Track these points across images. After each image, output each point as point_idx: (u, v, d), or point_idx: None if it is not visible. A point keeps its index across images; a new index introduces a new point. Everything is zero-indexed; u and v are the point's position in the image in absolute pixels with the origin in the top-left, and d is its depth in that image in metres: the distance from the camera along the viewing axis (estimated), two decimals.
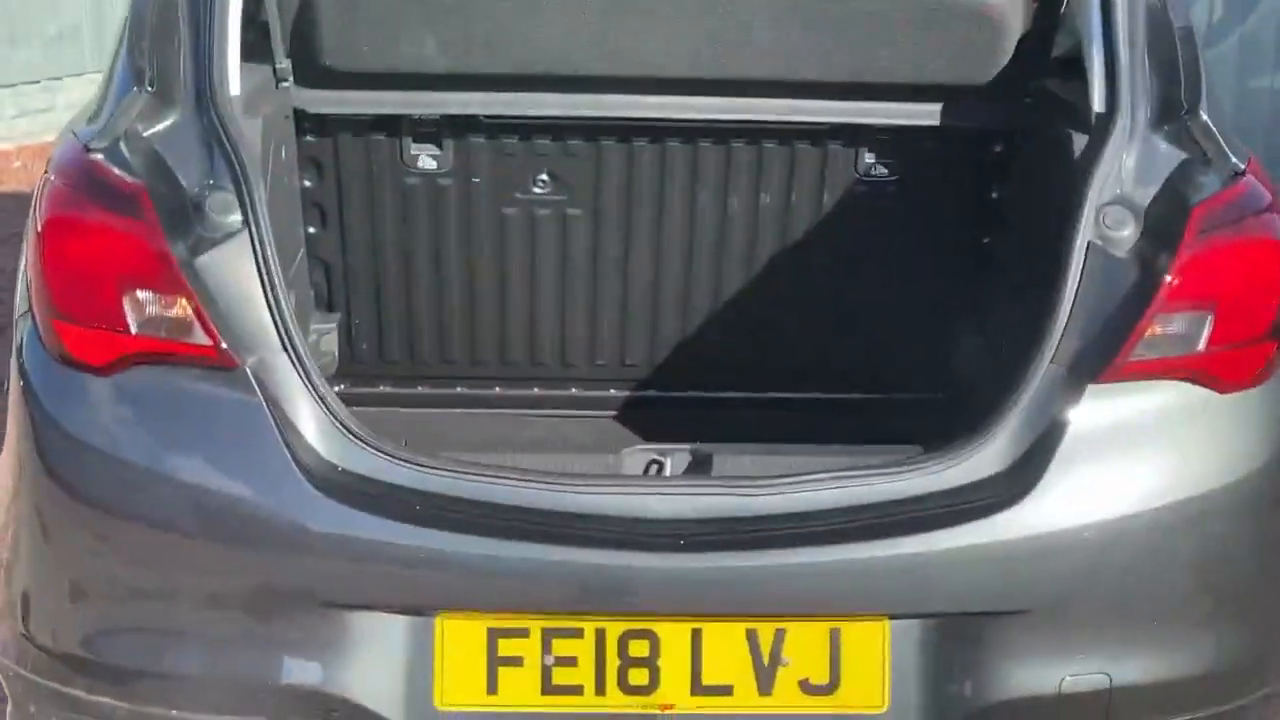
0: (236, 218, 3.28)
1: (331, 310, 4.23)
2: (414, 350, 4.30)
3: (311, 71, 3.79)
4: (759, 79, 3.80)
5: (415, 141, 3.99)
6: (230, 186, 3.30)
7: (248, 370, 3.23)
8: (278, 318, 3.26)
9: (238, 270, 3.26)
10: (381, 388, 4.38)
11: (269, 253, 3.26)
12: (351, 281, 4.19)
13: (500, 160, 4.02)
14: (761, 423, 4.36)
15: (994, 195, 4.10)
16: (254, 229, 3.26)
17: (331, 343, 4.15)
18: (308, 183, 4.03)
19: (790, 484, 3.26)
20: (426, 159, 4.01)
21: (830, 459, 3.41)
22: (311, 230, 4.10)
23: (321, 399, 3.26)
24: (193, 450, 3.23)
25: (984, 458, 3.29)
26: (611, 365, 4.36)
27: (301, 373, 3.26)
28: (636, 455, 3.47)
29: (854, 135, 4.00)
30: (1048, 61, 3.85)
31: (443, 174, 4.03)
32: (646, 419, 4.39)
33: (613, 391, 4.41)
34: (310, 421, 3.25)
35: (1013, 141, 3.97)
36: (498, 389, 4.40)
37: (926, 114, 3.91)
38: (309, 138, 3.95)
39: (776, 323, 4.28)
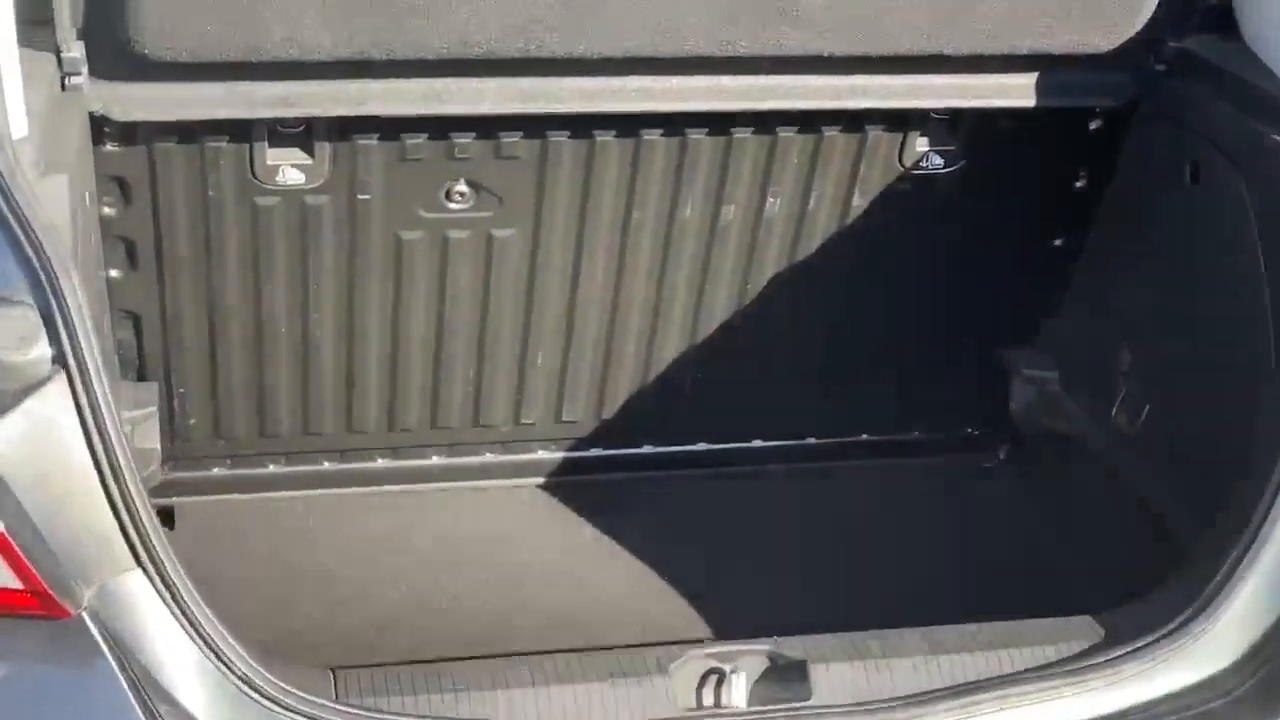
0: (44, 351, 1.98)
1: (143, 379, 2.92)
2: (265, 421, 3.02)
3: (118, 60, 2.43)
4: (795, 56, 2.58)
5: (274, 147, 2.68)
6: (28, 297, 1.99)
7: (85, 616, 1.96)
8: (125, 514, 1.99)
9: (53, 444, 1.96)
10: (216, 471, 3.10)
11: (103, 405, 1.97)
12: (174, 338, 2.88)
13: (400, 168, 2.73)
14: (746, 487, 3.24)
15: (1078, 185, 2.99)
16: (76, 368, 1.96)
17: (152, 432, 2.83)
18: (109, 210, 2.69)
19: (937, 705, 2.17)
20: (290, 171, 2.70)
21: (972, 654, 2.30)
22: (114, 274, 2.77)
23: (207, 639, 2.02)
24: None
25: (1210, 646, 2.24)
26: (542, 424, 3.16)
27: (170, 597, 2.01)
28: (688, 666, 2.31)
29: (903, 116, 2.82)
30: (1194, 14, 2.71)
31: (314, 189, 2.73)
32: (586, 487, 3.23)
33: (541, 454, 3.22)
34: (194, 680, 2.01)
35: (1120, 118, 2.85)
36: (381, 461, 3.16)
37: (1016, 90, 2.74)
38: (111, 146, 2.60)
39: (773, 360, 3.13)
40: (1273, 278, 2.44)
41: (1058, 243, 3.06)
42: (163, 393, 2.93)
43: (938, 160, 2.90)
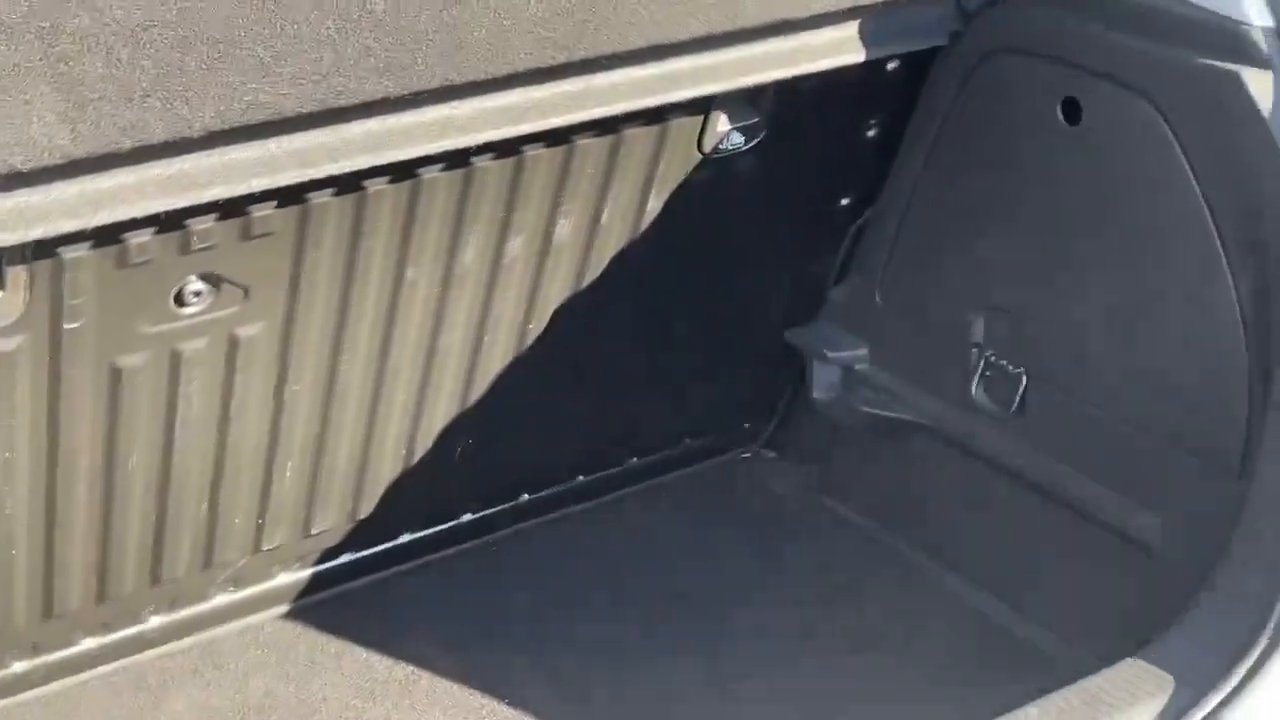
0: None
1: None
2: None
3: None
4: (607, 54, 2.03)
5: None
6: None
7: None
8: None
9: None
10: None
11: None
12: None
13: (119, 277, 1.98)
14: (513, 551, 2.71)
15: (870, 134, 2.57)
16: None
17: None
18: None
19: None
20: None
21: None
22: None
23: None
24: None
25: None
26: (287, 544, 2.48)
27: None
28: None
29: (707, 98, 2.31)
30: None
31: (2, 331, 1.94)
32: (337, 602, 2.59)
33: (283, 579, 2.54)
34: None
35: (923, 53, 2.44)
36: (87, 641, 2.40)
37: (840, 45, 2.27)
38: None
39: (546, 403, 2.58)
40: (1221, 219, 2.12)
41: (845, 202, 2.65)
42: None
43: (738, 139, 2.41)
